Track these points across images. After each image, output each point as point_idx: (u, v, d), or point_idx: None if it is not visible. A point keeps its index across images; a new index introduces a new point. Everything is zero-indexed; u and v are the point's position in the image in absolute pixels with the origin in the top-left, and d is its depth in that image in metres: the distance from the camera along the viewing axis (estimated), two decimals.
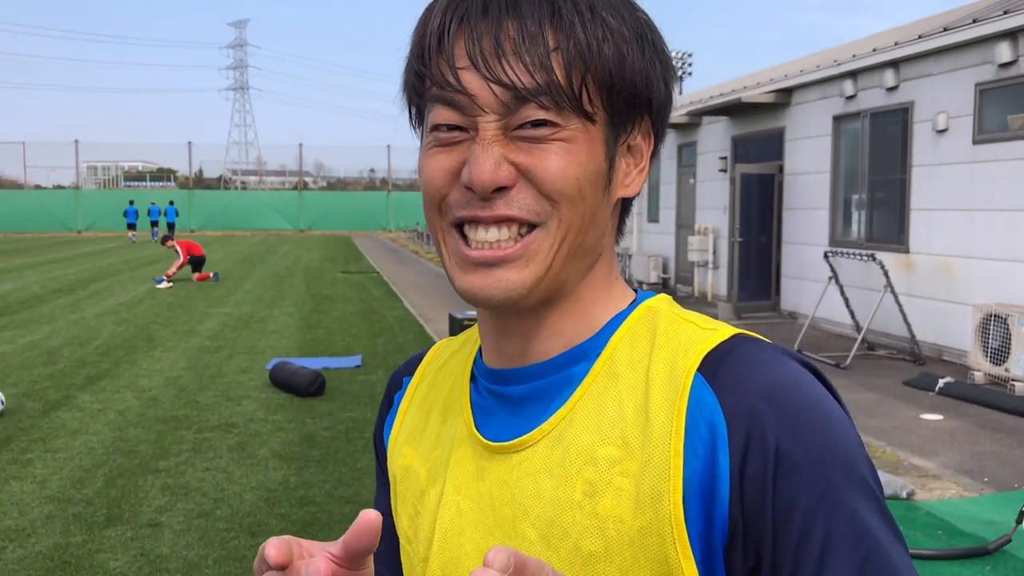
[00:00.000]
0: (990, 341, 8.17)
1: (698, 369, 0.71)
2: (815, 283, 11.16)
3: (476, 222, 0.71)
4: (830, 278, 10.11)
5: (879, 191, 10.85)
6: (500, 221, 0.71)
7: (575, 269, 0.75)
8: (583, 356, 0.76)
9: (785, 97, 12.66)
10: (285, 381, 7.98)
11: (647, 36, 0.75)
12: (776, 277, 13.20)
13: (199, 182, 58.45)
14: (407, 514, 0.85)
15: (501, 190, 0.70)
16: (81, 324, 12.21)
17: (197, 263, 18.38)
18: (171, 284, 17.24)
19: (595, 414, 0.73)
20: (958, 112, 9.25)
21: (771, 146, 13.22)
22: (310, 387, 7.76)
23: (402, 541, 0.86)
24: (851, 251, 10.29)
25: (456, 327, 9.26)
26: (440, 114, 0.72)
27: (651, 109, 0.76)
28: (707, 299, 14.91)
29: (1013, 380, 7.85)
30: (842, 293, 10.17)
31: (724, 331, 0.74)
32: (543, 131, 0.70)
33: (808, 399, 0.69)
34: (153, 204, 40.41)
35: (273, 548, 0.57)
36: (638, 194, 0.79)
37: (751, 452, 0.66)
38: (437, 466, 0.82)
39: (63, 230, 44.39)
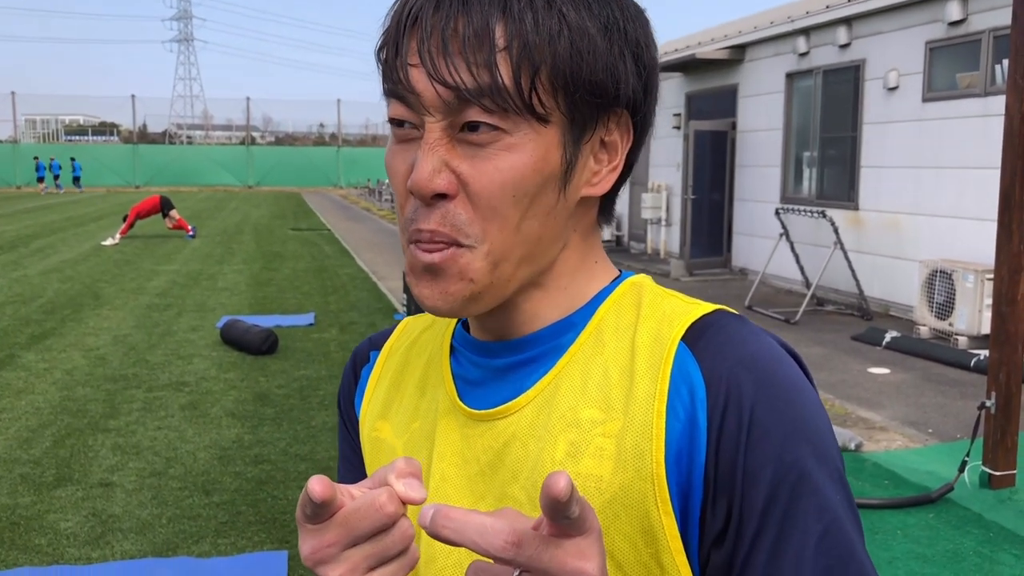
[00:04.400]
0: (935, 296, 8.35)
1: (682, 338, 0.72)
2: (766, 240, 11.28)
3: (418, 240, 0.70)
4: (781, 235, 10.22)
5: (830, 148, 10.96)
6: (439, 239, 0.69)
7: (528, 272, 0.74)
8: (570, 327, 0.76)
9: (739, 54, 12.68)
10: (237, 339, 7.88)
11: (617, 25, 0.70)
12: (728, 234, 13.32)
13: (143, 137, 57.10)
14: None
15: (442, 197, 0.69)
16: (24, 282, 11.90)
17: (164, 208, 17.78)
18: (117, 241, 16.86)
19: (580, 379, 0.74)
20: (908, 70, 9.35)
21: (725, 103, 13.25)
22: (262, 345, 7.67)
23: None
24: (802, 208, 10.40)
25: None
26: (394, 108, 0.71)
27: (626, 103, 0.72)
28: (660, 256, 15.01)
29: (956, 334, 8.05)
30: (792, 250, 10.30)
31: (707, 306, 0.75)
32: (484, 137, 0.67)
33: (785, 375, 0.70)
34: (53, 160, 40.77)
35: (317, 483, 0.54)
36: (609, 192, 0.76)
37: (728, 416, 0.68)
38: (417, 437, 0.82)
39: (1, 185, 43.09)
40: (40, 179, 39.49)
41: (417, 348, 0.88)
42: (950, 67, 8.92)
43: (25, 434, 5.52)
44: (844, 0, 10.38)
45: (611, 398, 0.72)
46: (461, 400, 0.79)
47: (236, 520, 4.27)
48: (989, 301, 7.84)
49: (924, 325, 8.50)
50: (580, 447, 0.71)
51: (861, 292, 9.66)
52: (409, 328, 0.91)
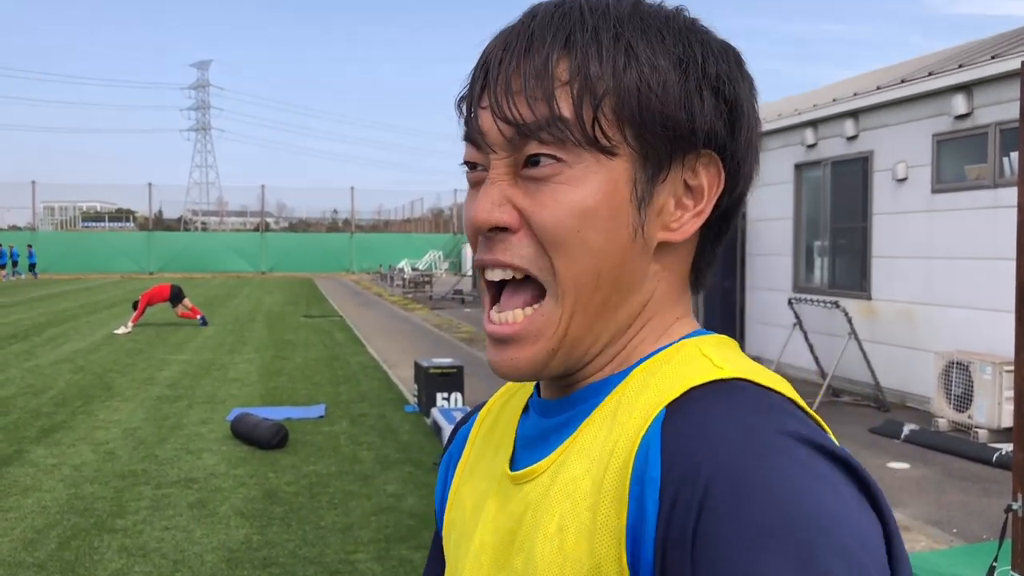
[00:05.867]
0: (953, 388, 8.25)
1: (667, 404, 0.63)
2: (779, 328, 11.23)
3: (483, 266, 0.71)
4: (794, 324, 10.18)
5: (841, 238, 10.99)
6: (501, 266, 0.70)
7: (604, 328, 0.70)
8: (604, 389, 0.72)
9: None
10: (247, 434, 7.81)
11: (693, 60, 0.68)
12: (741, 322, 13.27)
13: (159, 223, 57.87)
14: (450, 554, 0.84)
15: (503, 231, 0.69)
16: (36, 372, 11.91)
17: (175, 299, 17.91)
18: (130, 330, 16.91)
19: (587, 447, 0.68)
20: (916, 162, 9.43)
21: None
22: (272, 440, 7.60)
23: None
24: (814, 297, 10.38)
25: (421, 375, 9.15)
26: (466, 152, 0.73)
27: (708, 142, 0.69)
28: None
29: (976, 427, 7.91)
30: (806, 339, 10.24)
31: (730, 370, 0.65)
32: (545, 170, 0.67)
33: (770, 464, 0.55)
34: (12, 247, 41.65)
35: None
36: (704, 252, 0.74)
37: (676, 509, 0.57)
38: (480, 499, 0.80)
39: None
40: (1, 266, 40.57)
41: (508, 408, 0.86)
42: (958, 159, 9.00)
43: (31, 535, 5.43)
44: (850, 94, 10.55)
45: (605, 469, 0.65)
46: (511, 462, 0.78)
47: None
48: (1008, 393, 7.74)
49: (942, 417, 8.37)
50: (567, 521, 0.66)
51: (877, 383, 9.56)
52: (510, 388, 0.90)
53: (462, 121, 0.72)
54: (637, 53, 0.66)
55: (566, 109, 0.65)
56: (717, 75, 0.69)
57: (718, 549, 0.53)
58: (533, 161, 0.67)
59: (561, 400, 0.74)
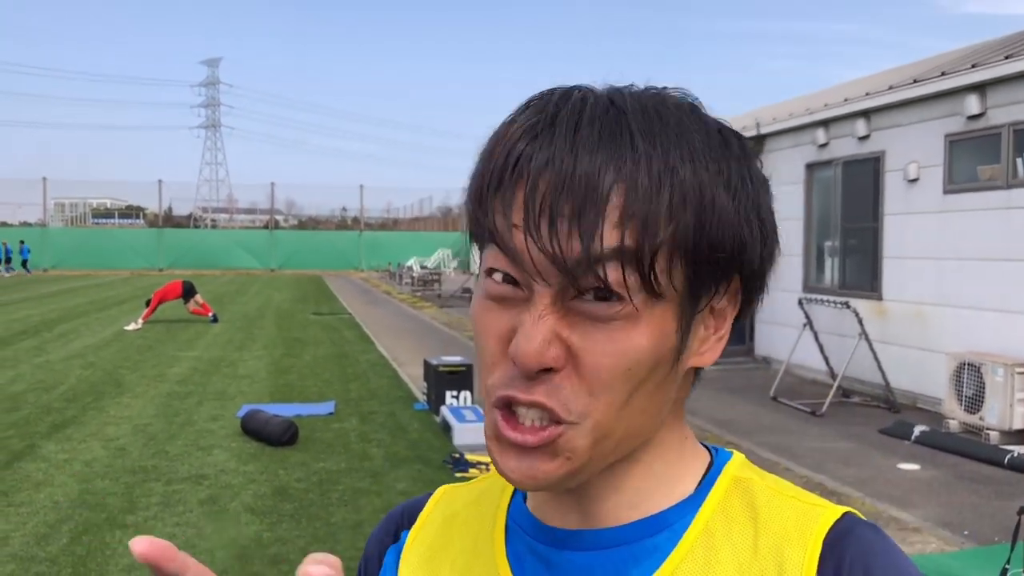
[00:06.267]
0: (964, 389, 8.22)
1: (817, 568, 0.64)
2: (789, 329, 11.20)
3: (512, 404, 0.63)
4: (804, 325, 10.15)
5: (852, 238, 10.95)
6: (539, 408, 0.62)
7: (627, 448, 0.67)
8: (664, 525, 0.68)
9: (758, 144, 12.79)
10: (257, 430, 7.83)
11: (743, 184, 0.64)
12: (751, 322, 13.24)
13: (168, 220, 58.07)
14: None
15: (548, 371, 0.62)
16: (47, 368, 11.96)
17: (187, 295, 18.00)
18: (140, 326, 16.97)
19: None
20: (928, 162, 9.39)
21: None
22: (282, 436, 7.62)
23: None
24: (825, 298, 10.35)
25: (431, 373, 9.17)
26: (496, 258, 0.63)
27: (743, 270, 0.66)
28: None
29: (988, 429, 7.88)
30: (816, 340, 10.21)
31: (834, 508, 0.67)
32: (602, 307, 0.61)
33: None
34: (5, 244, 41.82)
35: (139, 542, 0.52)
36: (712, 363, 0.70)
37: None
38: None
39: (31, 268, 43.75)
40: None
41: (458, 525, 0.77)
42: (971, 159, 8.96)
43: (43, 529, 5.45)
44: (862, 94, 10.52)
45: None
46: None
47: None
48: (1021, 395, 7.72)
49: (953, 418, 8.34)
50: None
51: (887, 383, 9.53)
52: (447, 498, 0.81)
53: (473, 217, 0.64)
54: (692, 184, 0.61)
55: (623, 246, 0.59)
56: (759, 201, 0.66)
57: None
58: (586, 294, 0.61)
59: (590, 533, 0.69)
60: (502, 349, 0.64)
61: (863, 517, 0.68)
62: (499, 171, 0.62)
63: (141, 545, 0.51)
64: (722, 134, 0.65)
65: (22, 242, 42.21)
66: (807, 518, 0.67)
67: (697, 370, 0.71)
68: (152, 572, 0.52)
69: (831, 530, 0.66)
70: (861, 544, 0.65)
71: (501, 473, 0.64)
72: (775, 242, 0.68)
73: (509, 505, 0.76)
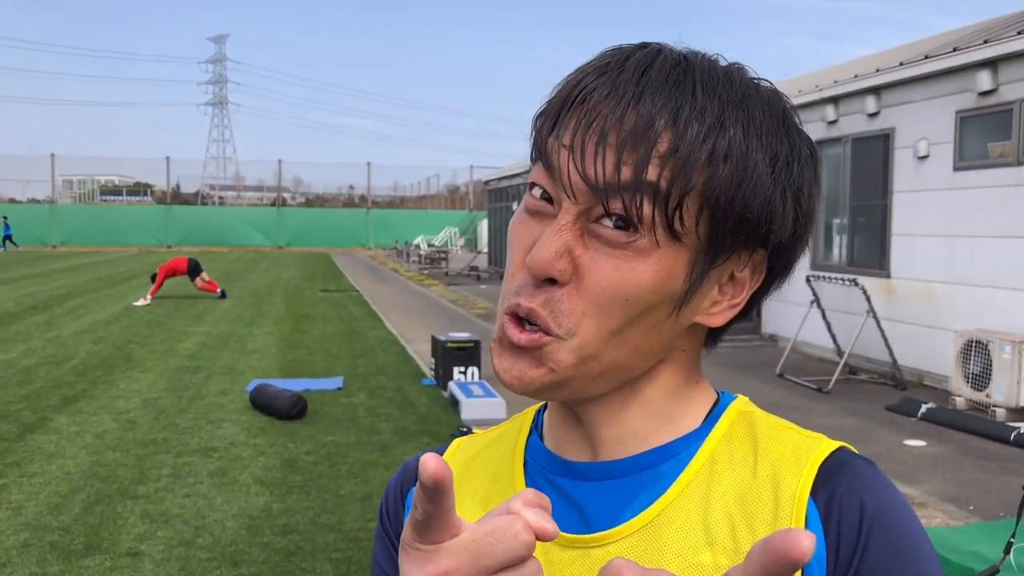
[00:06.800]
0: (971, 367, 8.22)
1: (811, 491, 0.68)
2: (797, 306, 11.20)
3: (516, 312, 0.68)
4: (812, 302, 10.15)
5: (861, 216, 10.92)
6: (534, 318, 0.67)
7: (618, 377, 0.70)
8: (671, 455, 0.72)
9: None
10: (266, 404, 7.88)
11: (786, 161, 0.67)
12: None
13: (176, 197, 58.12)
14: None
15: (552, 283, 0.66)
16: (57, 343, 12.03)
17: (193, 272, 18.05)
18: (148, 302, 17.04)
19: (699, 517, 0.69)
20: (939, 139, 9.34)
21: None
22: (291, 410, 7.67)
23: None
24: (833, 275, 10.34)
25: (439, 348, 9.20)
26: (538, 174, 0.69)
27: (770, 245, 0.69)
28: None
29: (994, 406, 7.89)
30: (824, 317, 10.21)
31: (830, 442, 0.71)
32: (619, 236, 0.65)
33: (912, 527, 0.68)
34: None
35: (431, 459, 0.47)
36: (721, 327, 0.73)
37: (842, 550, 0.66)
38: None
39: (38, 244, 43.90)
40: None
41: (478, 465, 0.81)
42: (981, 136, 8.91)
43: (55, 499, 5.52)
44: (872, 70, 10.45)
45: (740, 545, 0.67)
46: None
47: None
48: None
49: (960, 396, 8.35)
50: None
51: (895, 361, 9.53)
52: (464, 446, 0.85)
53: (534, 139, 0.70)
54: (736, 143, 0.64)
55: (662, 185, 0.63)
56: (800, 183, 0.69)
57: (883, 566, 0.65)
58: (607, 219, 0.65)
59: (602, 464, 0.73)
60: (523, 260, 0.68)
61: (856, 452, 0.71)
62: (563, 98, 0.67)
63: (435, 464, 0.47)
64: (786, 118, 0.69)
65: (4, 217, 41.49)
66: (804, 447, 0.70)
67: (713, 332, 0.74)
68: (428, 499, 0.48)
69: (826, 460, 0.69)
70: (856, 477, 0.68)
71: (497, 374, 0.69)
72: (807, 227, 0.71)
73: (526, 444, 0.80)
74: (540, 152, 0.68)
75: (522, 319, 0.67)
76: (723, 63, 0.69)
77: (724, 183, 0.64)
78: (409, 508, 0.82)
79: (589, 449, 0.74)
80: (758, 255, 0.70)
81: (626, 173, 0.63)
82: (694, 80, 0.65)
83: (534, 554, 0.57)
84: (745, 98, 0.66)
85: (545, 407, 0.80)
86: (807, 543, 0.42)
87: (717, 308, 0.71)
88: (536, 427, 0.80)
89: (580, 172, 0.64)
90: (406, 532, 0.50)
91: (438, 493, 0.47)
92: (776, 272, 0.72)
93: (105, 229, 45.28)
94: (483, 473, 0.80)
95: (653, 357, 0.71)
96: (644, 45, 0.68)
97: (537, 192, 0.69)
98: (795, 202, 0.69)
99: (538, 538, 0.48)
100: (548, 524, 0.48)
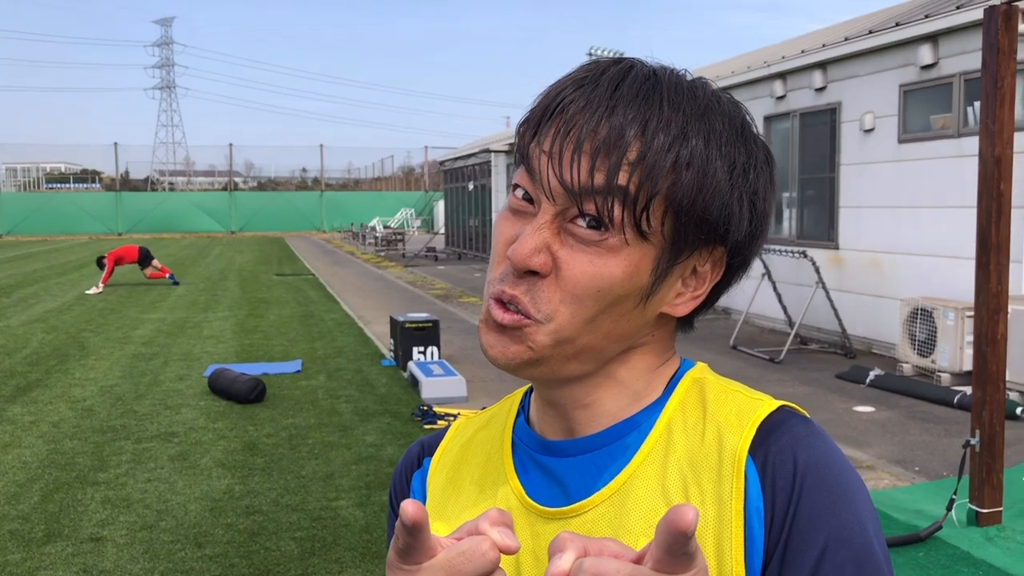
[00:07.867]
0: (917, 334, 8.46)
1: (749, 450, 0.75)
2: (748, 279, 11.29)
3: (500, 298, 0.75)
4: (763, 275, 10.34)
5: (809, 189, 11.13)
6: (516, 304, 0.74)
7: (592, 361, 0.78)
8: (634, 427, 0.80)
9: None
10: (224, 388, 7.86)
11: (743, 168, 0.75)
12: None
13: (126, 184, 57.05)
14: None
15: (534, 274, 0.74)
16: (7, 333, 11.84)
17: (144, 260, 17.82)
18: (100, 290, 16.80)
19: (657, 480, 0.76)
20: (884, 112, 9.55)
21: None
22: (250, 394, 7.66)
23: None
24: (782, 248, 10.54)
25: (397, 329, 9.23)
26: (521, 177, 0.77)
27: (728, 244, 0.77)
28: None
29: (939, 371, 8.14)
30: (775, 289, 10.41)
31: (772, 402, 0.78)
32: (592, 235, 0.73)
33: (844, 479, 0.74)
34: None
35: (410, 504, 0.55)
36: (686, 316, 0.81)
37: (777, 497, 0.72)
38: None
39: None
40: None
41: (473, 447, 0.90)
42: (924, 109, 9.13)
43: (13, 489, 5.48)
44: (819, 45, 10.63)
45: (690, 500, 0.74)
46: (529, 496, 0.81)
47: (229, 573, 4.26)
48: (970, 338, 7.95)
49: (907, 362, 8.59)
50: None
51: (844, 330, 9.77)
52: (462, 429, 0.94)
53: (517, 146, 0.77)
54: (697, 152, 0.72)
55: (627, 188, 0.71)
56: (756, 188, 0.77)
57: (815, 513, 0.71)
58: (581, 219, 0.73)
59: (577, 440, 0.80)
60: (505, 252, 0.77)
61: (801, 411, 0.78)
62: (543, 108, 0.75)
63: (413, 509, 0.55)
64: (744, 128, 0.77)
65: None
66: (747, 408, 0.78)
67: (682, 321, 0.83)
68: (408, 534, 0.56)
69: (765, 420, 0.76)
70: (791, 434, 0.75)
71: (483, 350, 0.78)
72: (762, 228, 0.79)
73: (514, 425, 0.88)
74: (523, 157, 0.76)
75: (506, 304, 0.75)
76: (689, 78, 0.77)
77: (687, 188, 0.72)
78: (413, 489, 0.93)
79: (567, 428, 0.81)
80: (718, 252, 0.78)
81: (599, 178, 0.71)
82: (661, 95, 0.73)
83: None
84: (707, 111, 0.74)
85: (531, 390, 0.88)
86: (690, 516, 0.49)
87: (681, 299, 0.79)
88: (523, 408, 0.89)
89: (558, 176, 0.72)
90: (391, 555, 0.59)
91: (416, 530, 0.56)
92: (735, 267, 0.80)
93: (53, 218, 44.34)
94: (478, 455, 0.89)
95: (623, 342, 0.78)
96: (619, 60, 0.76)
97: (520, 193, 0.77)
98: (751, 205, 0.77)
99: (502, 552, 0.57)
100: (511, 541, 0.57)
